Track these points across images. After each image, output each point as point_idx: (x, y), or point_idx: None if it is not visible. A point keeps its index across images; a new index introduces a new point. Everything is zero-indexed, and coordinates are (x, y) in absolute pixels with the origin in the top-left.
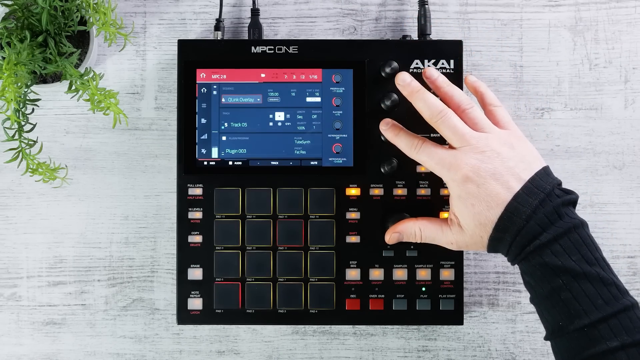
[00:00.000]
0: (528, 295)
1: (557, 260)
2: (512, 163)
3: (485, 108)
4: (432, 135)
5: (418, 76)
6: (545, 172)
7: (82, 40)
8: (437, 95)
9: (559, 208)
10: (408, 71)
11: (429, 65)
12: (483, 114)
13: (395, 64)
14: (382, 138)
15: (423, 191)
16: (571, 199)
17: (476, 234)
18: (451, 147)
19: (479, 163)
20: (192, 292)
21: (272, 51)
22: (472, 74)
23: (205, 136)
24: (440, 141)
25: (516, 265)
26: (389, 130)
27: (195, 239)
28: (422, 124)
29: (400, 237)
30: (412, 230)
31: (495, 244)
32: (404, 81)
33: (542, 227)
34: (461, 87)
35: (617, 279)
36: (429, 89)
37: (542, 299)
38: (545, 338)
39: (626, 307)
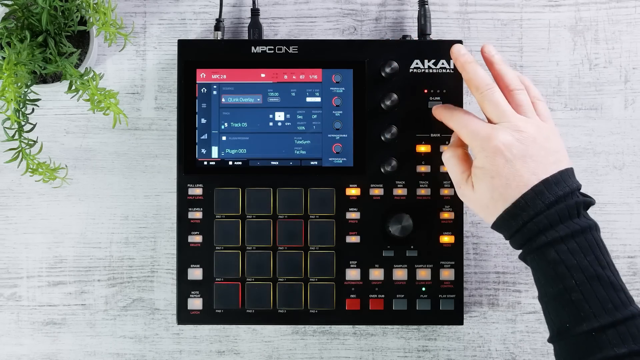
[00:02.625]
0: (528, 295)
1: (572, 259)
2: (544, 152)
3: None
4: (445, 135)
5: (418, 75)
6: (572, 172)
7: (82, 40)
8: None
9: (579, 206)
10: (408, 71)
11: (428, 67)
12: (529, 100)
13: (395, 64)
14: (383, 138)
15: (423, 191)
16: (590, 202)
17: (483, 201)
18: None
19: (513, 140)
20: (192, 292)
21: (272, 51)
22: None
23: (205, 136)
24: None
25: (516, 264)
26: (442, 108)
27: (195, 239)
28: (425, 123)
29: (441, 118)
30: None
31: (506, 219)
32: (459, 52)
33: (561, 219)
34: (460, 86)
35: (624, 286)
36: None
37: (550, 298)
38: (549, 340)
39: (634, 314)
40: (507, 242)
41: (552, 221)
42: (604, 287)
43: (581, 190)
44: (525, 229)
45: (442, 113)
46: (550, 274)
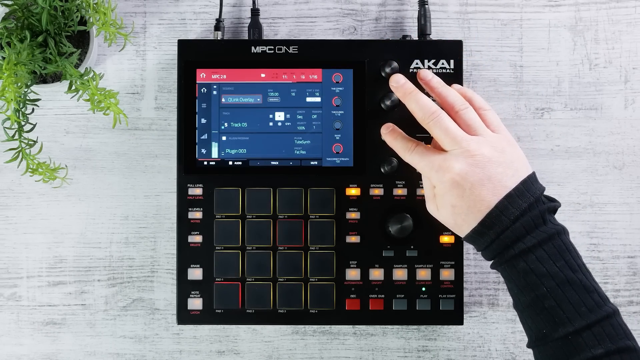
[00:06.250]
0: None
1: (541, 267)
2: (500, 169)
3: (476, 112)
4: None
5: (415, 77)
6: (534, 178)
7: (82, 40)
8: (432, 97)
9: (544, 213)
10: (408, 71)
11: (428, 67)
12: (477, 115)
13: (395, 64)
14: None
15: (423, 191)
16: (555, 207)
17: (449, 223)
18: (443, 150)
19: (467, 167)
20: (192, 292)
21: (272, 51)
22: (456, 84)
23: (205, 136)
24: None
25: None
26: (389, 134)
27: (195, 239)
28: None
29: (392, 146)
30: (408, 158)
31: (475, 237)
32: (398, 82)
33: (527, 230)
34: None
35: (598, 286)
36: (424, 91)
37: (525, 307)
38: (528, 345)
39: (608, 314)
40: None
41: (518, 235)
42: (576, 290)
43: (560, 195)
44: (493, 245)
45: (393, 143)
46: (521, 284)
